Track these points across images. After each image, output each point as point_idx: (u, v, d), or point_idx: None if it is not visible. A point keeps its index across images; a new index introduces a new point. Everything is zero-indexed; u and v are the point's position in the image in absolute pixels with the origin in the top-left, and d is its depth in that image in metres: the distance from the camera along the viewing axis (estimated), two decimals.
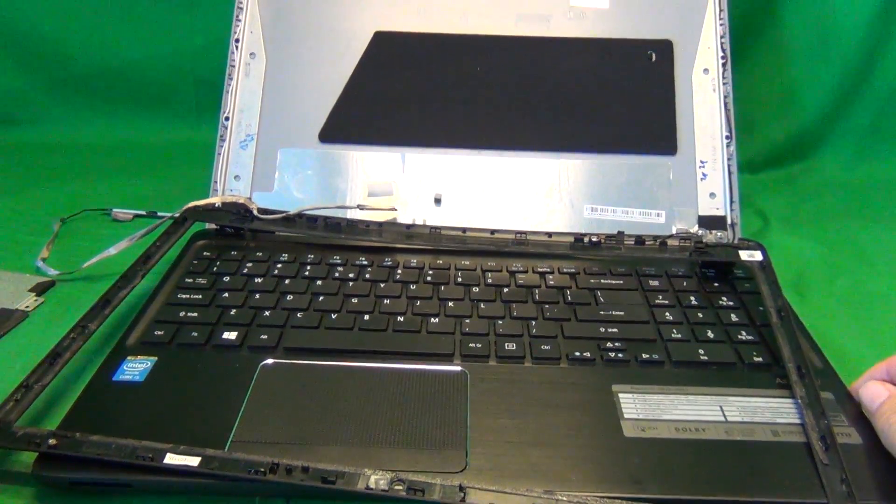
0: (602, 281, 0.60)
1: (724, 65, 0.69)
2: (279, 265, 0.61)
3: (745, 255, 0.60)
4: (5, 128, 0.97)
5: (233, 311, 0.55)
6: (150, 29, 0.93)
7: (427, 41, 0.71)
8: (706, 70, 0.69)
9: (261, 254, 0.63)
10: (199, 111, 0.97)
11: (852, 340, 0.57)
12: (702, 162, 0.68)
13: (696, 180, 0.67)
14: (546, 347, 0.51)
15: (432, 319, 0.55)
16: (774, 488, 0.41)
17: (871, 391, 0.45)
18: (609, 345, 0.52)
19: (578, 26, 0.71)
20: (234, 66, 0.70)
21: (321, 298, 0.57)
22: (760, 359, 0.51)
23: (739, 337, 0.53)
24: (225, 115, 0.70)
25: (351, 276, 0.60)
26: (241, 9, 0.71)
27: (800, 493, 0.40)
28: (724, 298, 0.58)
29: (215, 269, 0.61)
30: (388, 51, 0.71)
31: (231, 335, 0.52)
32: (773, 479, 0.41)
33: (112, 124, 0.98)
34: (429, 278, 0.60)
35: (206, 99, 0.94)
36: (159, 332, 0.52)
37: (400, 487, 0.39)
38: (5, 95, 0.97)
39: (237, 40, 0.71)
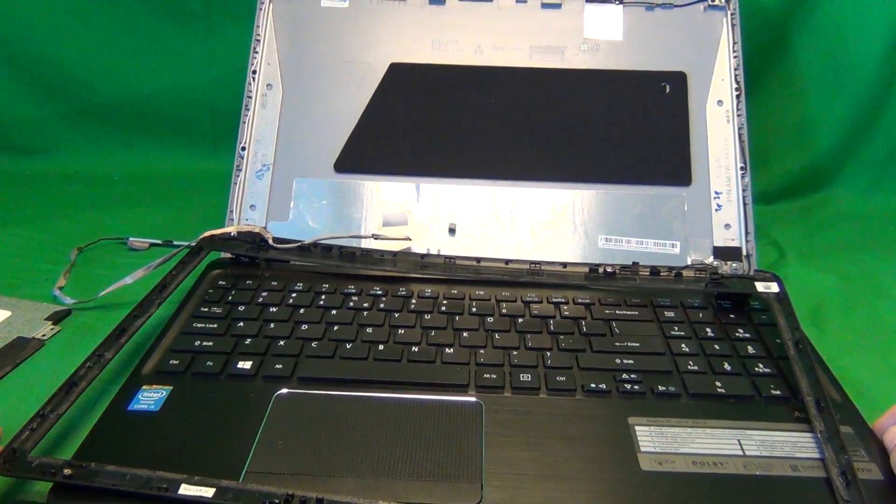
0: (617, 312, 0.60)
1: (738, 96, 0.69)
2: (294, 294, 0.61)
3: (761, 286, 0.60)
4: (23, 157, 0.98)
5: (248, 341, 0.55)
6: (167, 60, 0.95)
7: (442, 73, 0.72)
8: (720, 102, 0.69)
9: (276, 283, 0.63)
10: (215, 142, 0.98)
11: (871, 374, 0.56)
12: (716, 193, 0.67)
13: (711, 211, 0.67)
14: (561, 379, 0.51)
15: (447, 350, 0.54)
16: None
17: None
18: (625, 376, 0.51)
19: (592, 58, 0.71)
20: (250, 97, 0.71)
21: (336, 328, 0.57)
22: (778, 392, 0.50)
23: (756, 369, 0.52)
24: (241, 145, 0.70)
25: (365, 305, 0.60)
26: (259, 41, 0.72)
27: None
28: (741, 330, 0.57)
29: (230, 298, 0.61)
30: (403, 82, 0.72)
31: (246, 364, 0.52)
32: None
33: (129, 154, 0.98)
34: (443, 308, 0.60)
35: (223, 130, 0.95)
36: (174, 361, 0.52)
37: None
38: (24, 125, 0.98)
39: (254, 71, 0.72)
